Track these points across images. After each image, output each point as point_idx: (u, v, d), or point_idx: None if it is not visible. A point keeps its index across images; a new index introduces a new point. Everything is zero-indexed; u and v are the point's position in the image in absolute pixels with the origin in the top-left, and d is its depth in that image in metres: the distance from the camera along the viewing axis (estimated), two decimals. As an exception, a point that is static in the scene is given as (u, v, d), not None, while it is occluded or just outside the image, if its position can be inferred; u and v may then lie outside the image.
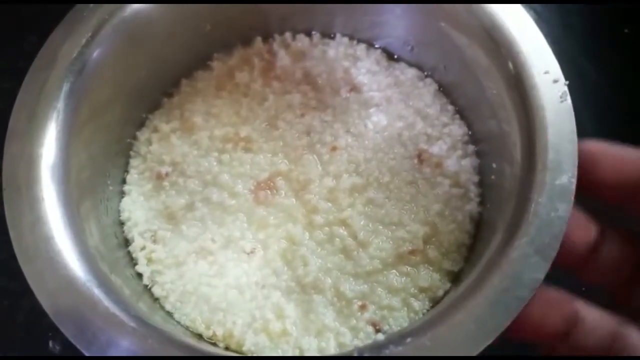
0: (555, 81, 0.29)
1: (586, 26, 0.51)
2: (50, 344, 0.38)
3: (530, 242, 0.25)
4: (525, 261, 0.25)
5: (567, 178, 0.27)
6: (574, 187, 0.26)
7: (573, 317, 0.26)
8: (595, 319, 0.26)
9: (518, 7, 0.32)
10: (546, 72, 0.29)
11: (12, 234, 0.27)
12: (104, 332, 0.25)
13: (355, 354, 0.24)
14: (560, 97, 0.29)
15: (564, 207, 0.26)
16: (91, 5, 0.32)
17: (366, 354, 0.24)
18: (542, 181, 0.27)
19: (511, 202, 0.28)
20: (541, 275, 0.25)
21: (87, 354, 0.24)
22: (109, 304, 0.26)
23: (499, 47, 0.31)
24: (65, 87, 0.30)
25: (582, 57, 0.49)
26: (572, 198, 0.26)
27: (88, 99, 0.31)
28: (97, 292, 0.26)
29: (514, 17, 0.31)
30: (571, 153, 0.27)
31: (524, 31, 0.31)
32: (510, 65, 0.30)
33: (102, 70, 0.32)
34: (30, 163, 0.28)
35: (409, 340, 0.24)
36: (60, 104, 0.30)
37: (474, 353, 0.24)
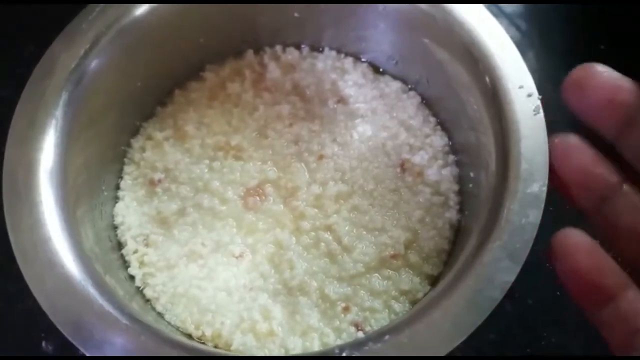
0: (529, 95, 0.31)
1: (567, 44, 0.53)
2: (44, 344, 0.39)
3: (503, 247, 0.27)
4: (497, 264, 0.27)
5: (539, 187, 0.28)
6: (544, 195, 0.28)
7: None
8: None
9: (496, 25, 0.33)
10: (521, 87, 0.31)
11: (11, 236, 0.28)
12: (100, 330, 0.26)
13: (336, 351, 0.26)
14: (534, 111, 0.30)
15: (535, 214, 0.28)
16: (90, 17, 0.33)
17: (346, 351, 0.26)
18: (514, 189, 0.28)
19: (486, 209, 0.29)
20: (511, 278, 0.26)
21: (83, 351, 0.26)
22: (103, 303, 0.27)
23: (477, 62, 0.33)
24: (64, 96, 0.31)
25: (562, 71, 0.51)
26: (542, 206, 0.28)
27: (85, 108, 0.33)
28: (93, 292, 0.27)
29: (491, 34, 0.33)
30: (543, 163, 0.29)
31: (501, 48, 0.33)
32: (487, 79, 0.32)
33: (100, 80, 0.33)
34: (30, 168, 0.29)
35: (387, 337, 0.25)
36: (58, 112, 0.31)
37: (449, 349, 0.25)
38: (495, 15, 0.34)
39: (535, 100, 0.31)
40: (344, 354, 0.25)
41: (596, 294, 0.26)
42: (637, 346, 0.25)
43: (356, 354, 0.25)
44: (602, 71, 0.27)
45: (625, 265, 0.27)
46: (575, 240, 0.26)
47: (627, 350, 0.25)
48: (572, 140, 0.28)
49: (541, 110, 0.30)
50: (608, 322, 0.26)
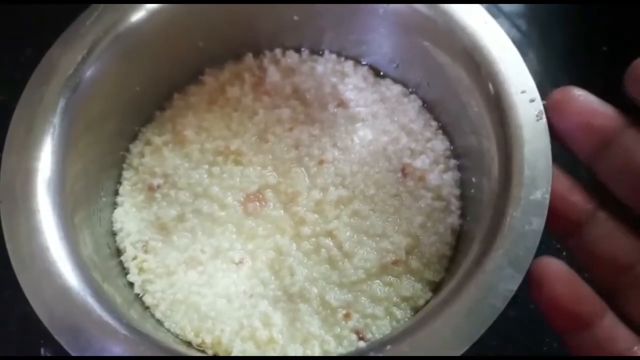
0: (532, 100, 0.30)
1: (567, 46, 0.53)
2: (42, 351, 0.39)
3: (505, 254, 0.27)
4: (500, 272, 0.26)
5: (541, 194, 0.28)
6: (547, 202, 0.28)
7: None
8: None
9: (498, 29, 0.33)
10: (523, 92, 0.31)
11: (8, 244, 0.28)
12: (97, 339, 0.26)
13: (338, 361, 0.26)
14: (537, 116, 0.30)
15: (538, 221, 0.27)
16: (88, 22, 0.33)
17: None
18: (517, 196, 0.28)
19: (488, 215, 0.29)
20: (514, 287, 0.26)
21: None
22: (101, 313, 0.27)
23: (479, 67, 0.32)
24: (62, 103, 0.31)
25: (565, 76, 0.51)
26: (546, 212, 0.28)
27: (83, 114, 0.32)
28: (91, 301, 0.27)
29: (493, 38, 0.33)
30: (545, 170, 0.28)
31: (504, 52, 0.32)
32: (490, 84, 0.32)
33: (97, 86, 0.33)
34: (27, 176, 0.29)
35: (389, 347, 0.25)
36: (56, 119, 0.31)
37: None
38: (495, 15, 0.34)
39: (538, 105, 0.30)
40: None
41: (573, 321, 0.27)
42: None
43: (357, 363, 0.25)
44: (579, 95, 0.29)
45: (601, 290, 0.28)
46: (553, 269, 0.27)
47: None
48: None
49: (544, 116, 0.30)
50: (585, 348, 0.27)
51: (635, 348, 0.26)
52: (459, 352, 0.25)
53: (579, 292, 0.27)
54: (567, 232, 0.29)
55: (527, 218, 0.27)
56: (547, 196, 0.28)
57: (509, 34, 0.33)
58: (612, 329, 0.27)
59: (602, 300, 0.28)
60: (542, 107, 0.30)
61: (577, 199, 0.29)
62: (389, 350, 0.25)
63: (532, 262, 0.27)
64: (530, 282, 0.27)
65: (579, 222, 0.29)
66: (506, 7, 0.53)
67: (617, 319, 0.27)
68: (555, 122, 0.29)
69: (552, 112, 0.29)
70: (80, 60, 0.32)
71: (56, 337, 0.26)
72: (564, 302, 0.27)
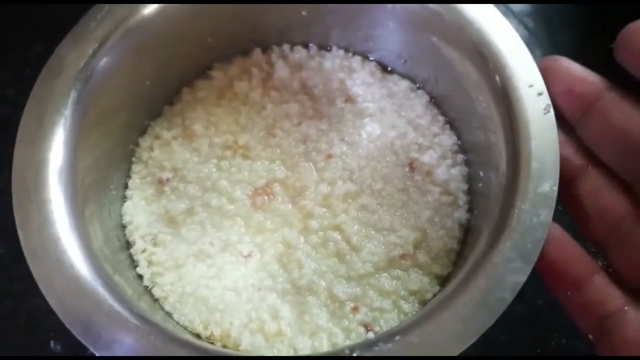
0: (540, 94, 0.31)
1: (575, 44, 0.53)
2: (52, 344, 0.39)
3: (514, 247, 0.27)
4: (509, 265, 0.26)
5: (549, 186, 0.28)
6: (555, 194, 0.28)
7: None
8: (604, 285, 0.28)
9: (506, 24, 0.33)
10: (531, 86, 0.31)
11: (20, 235, 0.28)
12: (109, 329, 0.26)
13: (347, 352, 0.26)
14: (544, 110, 0.30)
15: (546, 214, 0.27)
16: (98, 16, 0.33)
17: (356, 352, 0.25)
18: (525, 189, 0.28)
19: (496, 209, 0.29)
20: (523, 279, 0.26)
21: (93, 351, 0.26)
22: (113, 303, 0.27)
23: (487, 61, 0.33)
24: (73, 95, 0.31)
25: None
26: (554, 205, 0.28)
27: (94, 107, 0.33)
28: (102, 292, 0.27)
29: (501, 33, 0.33)
30: (553, 162, 0.29)
31: (511, 47, 0.32)
32: (497, 78, 0.32)
33: (108, 80, 0.33)
34: (38, 167, 0.29)
35: (397, 338, 0.25)
36: (67, 111, 0.31)
37: (460, 350, 0.25)
38: (504, 14, 0.34)
39: (546, 99, 0.30)
40: (354, 355, 0.25)
41: (565, 282, 0.28)
42: (607, 330, 0.27)
43: (366, 354, 0.25)
44: (563, 63, 0.30)
45: (594, 249, 0.29)
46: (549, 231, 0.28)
47: (598, 334, 0.27)
48: None
49: (551, 109, 0.30)
50: (578, 308, 0.28)
51: (626, 308, 0.27)
52: (467, 344, 0.25)
53: (571, 253, 0.29)
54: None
55: (535, 210, 0.28)
56: (555, 189, 0.28)
57: (516, 33, 0.33)
58: (603, 289, 0.28)
59: (595, 262, 0.28)
60: (549, 101, 0.30)
61: (569, 152, 0.30)
62: (397, 341, 0.25)
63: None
64: None
65: (570, 176, 0.30)
66: (515, 6, 0.53)
67: (608, 279, 0.28)
68: (547, 84, 0.31)
69: (623, 48, 0.30)
70: (91, 53, 0.32)
71: (68, 326, 0.26)
72: (557, 263, 0.28)
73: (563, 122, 0.31)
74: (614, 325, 0.27)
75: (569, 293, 0.28)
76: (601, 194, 0.29)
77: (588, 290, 0.28)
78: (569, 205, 0.30)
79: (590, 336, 0.28)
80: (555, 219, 0.28)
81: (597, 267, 0.28)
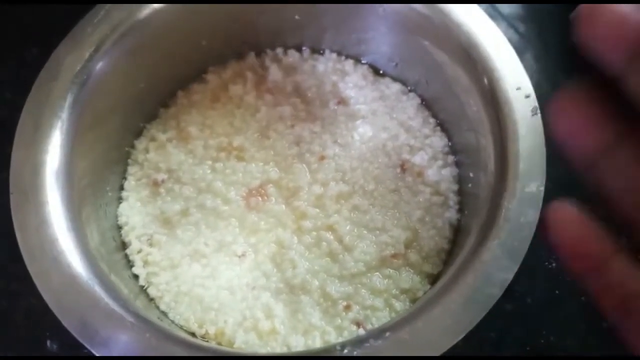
0: (527, 96, 0.31)
1: (565, 46, 0.53)
2: (48, 343, 0.40)
3: (501, 245, 0.28)
4: (496, 262, 0.27)
5: (536, 186, 0.29)
6: (542, 194, 0.29)
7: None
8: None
9: (494, 27, 0.34)
10: (518, 88, 0.32)
11: (18, 236, 0.28)
12: (105, 327, 0.27)
13: (338, 348, 0.26)
14: (531, 112, 0.31)
15: (533, 213, 0.28)
16: (95, 20, 0.34)
17: (347, 348, 0.26)
18: (513, 189, 0.29)
19: (485, 208, 0.30)
20: (510, 276, 0.27)
21: (89, 348, 0.26)
22: (109, 302, 0.27)
23: (476, 64, 0.33)
24: (70, 98, 0.32)
25: (560, 73, 0.51)
26: (541, 204, 0.28)
27: (90, 109, 0.33)
28: (98, 290, 0.28)
29: (489, 36, 0.34)
30: (540, 163, 0.29)
31: (499, 49, 0.33)
32: (486, 81, 0.33)
33: (104, 83, 0.34)
34: (36, 169, 0.30)
35: (388, 334, 0.26)
36: (64, 114, 0.32)
37: (449, 346, 0.26)
38: (493, 17, 0.34)
39: (533, 101, 0.31)
40: (345, 351, 0.26)
41: (583, 262, 0.27)
42: (630, 311, 0.26)
43: (357, 350, 0.26)
44: (607, 6, 0.27)
45: (619, 226, 0.27)
46: (564, 212, 0.27)
47: (621, 316, 0.26)
48: None
49: (539, 111, 0.31)
50: (598, 289, 0.27)
51: None
52: (457, 339, 0.26)
53: (588, 233, 0.27)
54: (584, 165, 0.29)
55: (522, 210, 0.28)
56: (542, 189, 0.29)
57: (506, 36, 0.34)
58: (624, 269, 0.26)
59: (615, 241, 0.28)
60: (536, 103, 0.31)
61: (593, 129, 0.26)
62: (388, 337, 0.26)
63: (546, 208, 0.27)
64: (544, 228, 0.27)
65: (595, 153, 0.27)
66: (504, 9, 0.54)
67: (629, 259, 0.27)
68: (584, 34, 0.28)
69: (580, 22, 0.28)
70: (87, 57, 0.33)
71: (65, 324, 0.26)
72: (574, 243, 0.27)
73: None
74: (637, 306, 0.27)
75: (588, 274, 0.29)
76: (627, 171, 0.28)
77: (608, 271, 0.27)
78: (594, 183, 0.29)
79: (611, 318, 0.28)
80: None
81: (617, 247, 0.28)
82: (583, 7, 0.28)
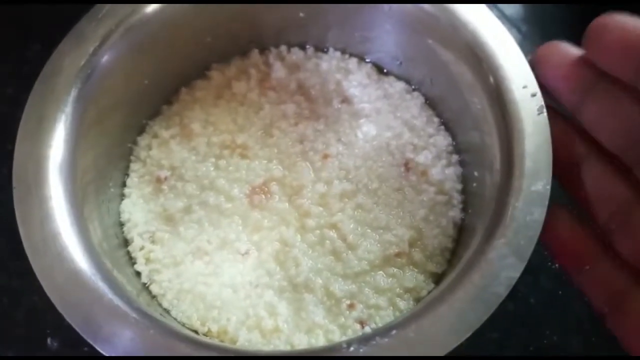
0: (533, 95, 0.31)
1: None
2: (49, 341, 0.40)
3: (507, 244, 0.27)
4: (503, 261, 0.27)
5: (542, 185, 0.29)
6: (548, 193, 0.29)
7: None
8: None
9: (499, 25, 0.34)
10: (524, 87, 0.32)
11: (21, 230, 0.28)
12: (109, 323, 0.26)
13: (344, 346, 0.26)
14: (537, 110, 0.31)
15: (539, 211, 0.28)
16: (99, 15, 0.34)
17: (353, 346, 0.26)
18: (519, 187, 0.29)
19: (490, 207, 0.30)
20: (516, 274, 0.27)
21: (93, 344, 0.26)
22: (112, 297, 0.27)
23: (481, 62, 0.33)
24: (73, 93, 0.32)
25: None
26: (547, 203, 0.28)
27: (94, 105, 0.33)
28: (102, 286, 0.27)
29: (495, 35, 0.34)
30: (546, 162, 0.29)
31: (505, 48, 0.33)
32: (491, 79, 0.32)
33: (108, 78, 0.34)
34: (39, 163, 0.30)
35: (394, 332, 0.26)
36: (68, 109, 0.31)
37: (455, 344, 0.25)
38: (496, 17, 0.34)
39: (539, 100, 0.31)
40: (351, 349, 0.26)
41: (574, 261, 0.30)
42: (616, 307, 0.28)
43: (363, 348, 0.26)
44: (562, 48, 0.30)
45: (601, 230, 0.30)
46: (559, 216, 0.29)
47: (612, 309, 0.28)
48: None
49: (545, 110, 0.31)
50: (588, 286, 0.29)
51: (633, 289, 0.28)
52: (463, 338, 0.25)
53: (579, 236, 0.30)
54: (562, 175, 0.30)
55: (528, 208, 0.28)
56: (548, 187, 0.28)
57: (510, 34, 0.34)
58: (608, 272, 0.29)
59: (601, 243, 0.29)
60: (542, 102, 0.31)
61: (571, 139, 0.31)
62: (394, 335, 0.26)
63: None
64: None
65: (574, 162, 0.30)
66: (507, 10, 0.54)
67: (613, 261, 0.29)
68: (541, 74, 0.31)
69: (537, 65, 0.31)
70: (92, 51, 0.32)
71: (68, 319, 0.26)
72: (566, 244, 0.30)
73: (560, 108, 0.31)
74: (621, 303, 0.27)
75: (578, 272, 0.30)
76: (602, 179, 0.30)
77: (596, 272, 0.29)
78: (573, 190, 0.31)
79: (602, 312, 0.29)
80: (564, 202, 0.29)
81: (603, 250, 0.29)
82: (539, 49, 0.30)
